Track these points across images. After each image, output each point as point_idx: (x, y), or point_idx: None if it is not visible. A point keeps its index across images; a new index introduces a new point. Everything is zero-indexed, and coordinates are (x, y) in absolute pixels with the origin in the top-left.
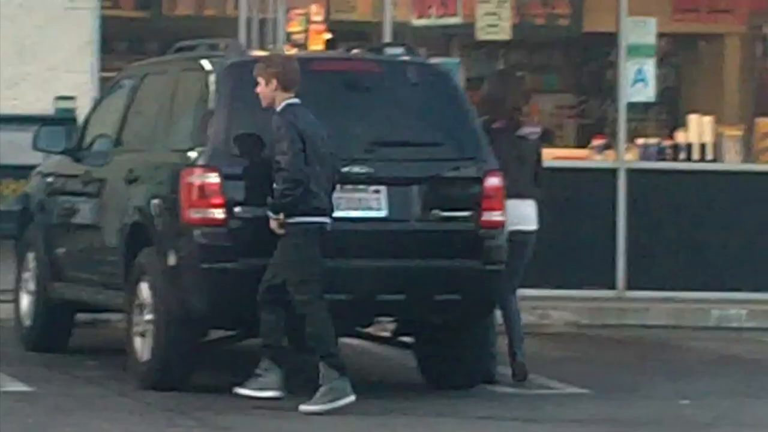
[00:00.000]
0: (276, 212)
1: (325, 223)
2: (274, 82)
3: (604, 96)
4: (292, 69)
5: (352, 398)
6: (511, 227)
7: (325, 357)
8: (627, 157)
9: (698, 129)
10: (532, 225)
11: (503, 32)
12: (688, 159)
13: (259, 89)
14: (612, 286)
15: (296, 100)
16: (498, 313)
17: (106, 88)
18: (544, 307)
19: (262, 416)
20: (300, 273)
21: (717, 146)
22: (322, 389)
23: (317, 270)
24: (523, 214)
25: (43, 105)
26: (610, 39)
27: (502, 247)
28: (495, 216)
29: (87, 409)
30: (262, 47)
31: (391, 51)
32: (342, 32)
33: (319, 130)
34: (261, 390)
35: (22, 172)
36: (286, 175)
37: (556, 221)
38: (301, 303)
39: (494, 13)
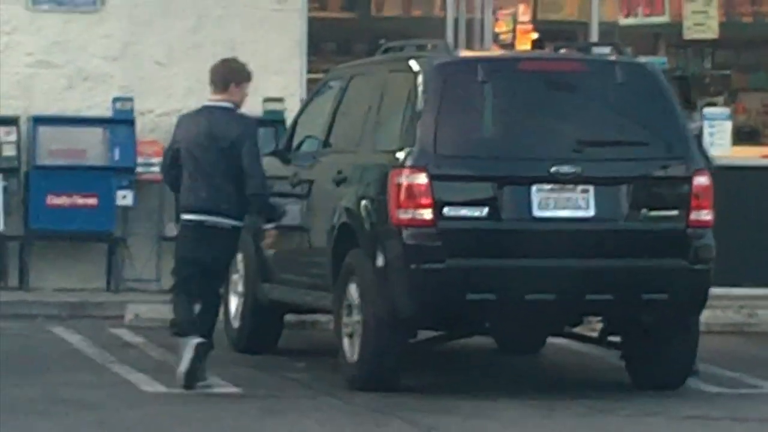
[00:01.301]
0: None
1: (191, 220)
2: None
3: None
4: (211, 72)
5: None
6: None
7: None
8: None
9: None
10: None
11: (710, 31)
12: None
13: None
14: None
15: (206, 103)
16: None
17: (314, 89)
18: (752, 306)
19: (468, 417)
20: (175, 261)
21: None
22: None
23: (183, 263)
24: None
25: (251, 107)
26: None
27: (710, 246)
28: (703, 215)
29: (296, 411)
30: (469, 47)
31: (598, 50)
32: (549, 32)
33: (195, 135)
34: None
35: None
36: None
37: (764, 219)
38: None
39: (702, 12)
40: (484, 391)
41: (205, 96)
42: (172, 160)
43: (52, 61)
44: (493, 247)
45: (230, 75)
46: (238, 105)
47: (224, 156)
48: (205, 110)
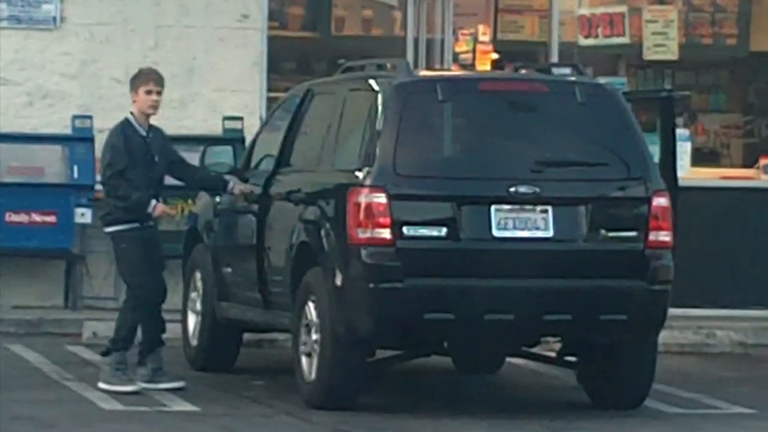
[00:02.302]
0: None
1: None
2: None
3: None
4: None
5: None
6: None
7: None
8: None
9: None
10: None
11: (670, 52)
12: None
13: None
14: None
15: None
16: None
17: (274, 108)
18: (710, 327)
19: None
20: None
21: None
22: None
23: None
24: None
25: (210, 125)
26: None
27: (668, 267)
28: (662, 236)
29: (253, 429)
30: (429, 67)
31: (558, 71)
32: (509, 52)
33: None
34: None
35: (190, 191)
36: None
37: (722, 240)
38: None
39: (662, 33)
40: (443, 410)
41: (164, 114)
42: None
43: (11, 79)
44: (451, 267)
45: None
46: (141, 111)
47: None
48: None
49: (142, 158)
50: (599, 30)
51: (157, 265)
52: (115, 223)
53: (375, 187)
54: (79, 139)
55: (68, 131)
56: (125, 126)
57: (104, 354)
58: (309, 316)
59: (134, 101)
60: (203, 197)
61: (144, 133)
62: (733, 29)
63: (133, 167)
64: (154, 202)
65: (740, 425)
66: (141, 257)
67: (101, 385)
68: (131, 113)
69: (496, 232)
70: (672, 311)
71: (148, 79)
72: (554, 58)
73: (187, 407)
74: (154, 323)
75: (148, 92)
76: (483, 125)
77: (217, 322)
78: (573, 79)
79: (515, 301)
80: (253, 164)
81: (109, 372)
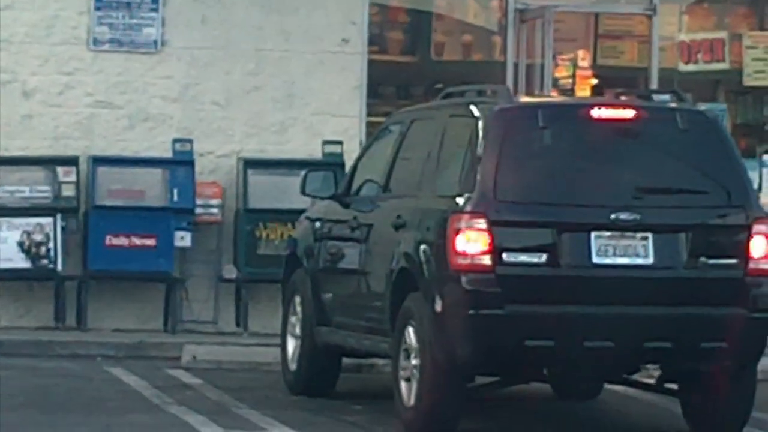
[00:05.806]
0: None
1: None
2: None
3: None
4: None
5: None
6: None
7: None
8: None
9: None
10: None
11: None
12: None
13: None
14: None
15: None
16: None
17: (374, 133)
18: None
19: None
20: None
21: None
22: None
23: None
24: None
25: (310, 149)
26: None
27: None
28: (762, 264)
29: None
30: (528, 92)
31: (658, 97)
32: (608, 78)
33: None
34: None
35: (289, 216)
36: None
37: None
38: None
39: (762, 59)
40: None
41: (264, 138)
42: None
43: (113, 102)
44: (551, 294)
45: None
46: None
47: None
48: None
49: None
50: (699, 56)
51: None
52: None
53: (475, 213)
54: (179, 162)
55: (168, 154)
56: None
57: None
58: (408, 342)
59: None
60: (303, 222)
61: None
62: None
63: None
64: None
65: None
66: None
67: None
68: None
69: (596, 259)
70: None
71: None
72: (654, 84)
73: (286, 431)
74: None
75: None
76: (583, 152)
77: (317, 347)
78: (673, 105)
79: (615, 328)
80: (353, 189)
81: None
